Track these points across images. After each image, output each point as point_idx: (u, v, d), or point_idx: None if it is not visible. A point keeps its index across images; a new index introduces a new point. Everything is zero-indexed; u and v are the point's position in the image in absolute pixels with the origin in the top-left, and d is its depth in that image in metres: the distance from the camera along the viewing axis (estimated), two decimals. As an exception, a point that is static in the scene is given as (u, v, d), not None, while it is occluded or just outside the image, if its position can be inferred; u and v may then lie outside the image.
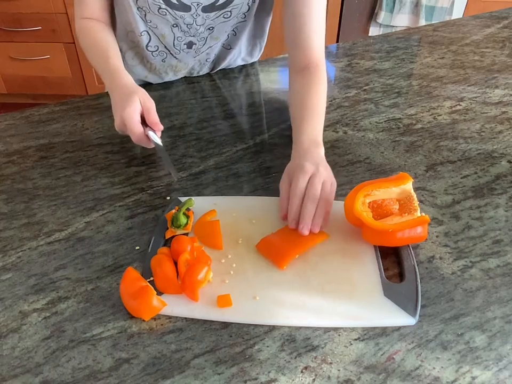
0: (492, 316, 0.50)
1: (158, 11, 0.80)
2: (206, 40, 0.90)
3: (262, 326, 0.50)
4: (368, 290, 0.52)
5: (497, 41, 1.23)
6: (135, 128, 0.66)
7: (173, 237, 0.58)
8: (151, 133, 0.67)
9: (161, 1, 0.78)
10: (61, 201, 0.68)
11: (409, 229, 0.55)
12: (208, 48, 0.93)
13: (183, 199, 0.67)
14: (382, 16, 2.39)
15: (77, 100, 0.95)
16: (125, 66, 0.77)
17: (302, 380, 0.45)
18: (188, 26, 0.84)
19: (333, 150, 0.78)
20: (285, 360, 0.46)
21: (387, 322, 0.49)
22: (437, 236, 0.61)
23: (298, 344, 0.48)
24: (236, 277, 0.54)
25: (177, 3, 0.79)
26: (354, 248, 0.58)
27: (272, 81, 1.04)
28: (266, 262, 0.56)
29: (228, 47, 0.97)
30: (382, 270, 0.55)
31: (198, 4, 0.80)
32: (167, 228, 0.61)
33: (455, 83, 1.00)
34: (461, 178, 0.71)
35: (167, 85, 0.99)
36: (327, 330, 0.49)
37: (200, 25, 0.85)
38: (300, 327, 0.49)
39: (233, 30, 0.91)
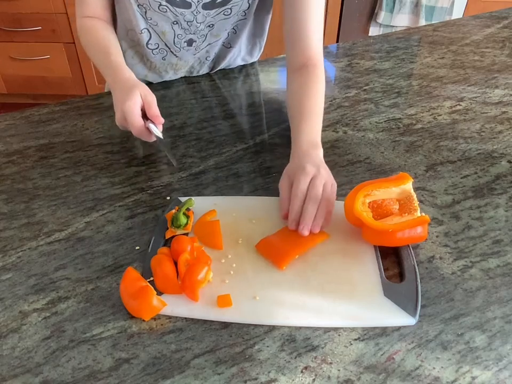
0: (492, 315, 0.50)
1: (159, 8, 0.81)
2: (206, 37, 0.90)
3: (262, 326, 0.50)
4: (368, 290, 0.52)
5: (497, 41, 1.23)
6: (135, 121, 0.66)
7: (173, 237, 0.58)
8: (151, 126, 0.67)
9: None
10: (61, 201, 0.68)
11: (409, 229, 0.55)
12: (208, 45, 0.93)
13: (183, 199, 0.67)
14: (382, 16, 2.39)
15: (77, 100, 0.95)
16: None
17: (302, 379, 0.45)
18: (188, 23, 0.84)
19: (333, 150, 0.78)
20: (285, 360, 0.46)
21: (387, 322, 0.49)
22: (437, 236, 0.61)
23: (298, 344, 0.48)
24: (236, 277, 0.54)
25: (177, 0, 0.79)
26: (354, 248, 0.58)
27: (272, 81, 1.04)
28: (266, 262, 0.56)
29: (228, 46, 0.97)
30: (382, 270, 0.55)
31: (198, 1, 0.80)
32: (167, 228, 0.61)
33: (455, 83, 1.00)
34: (461, 178, 0.71)
35: (167, 85, 0.99)
36: (327, 330, 0.49)
37: (200, 23, 0.85)
38: (300, 327, 0.49)
39: (233, 28, 0.91)
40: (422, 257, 0.58)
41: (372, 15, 2.46)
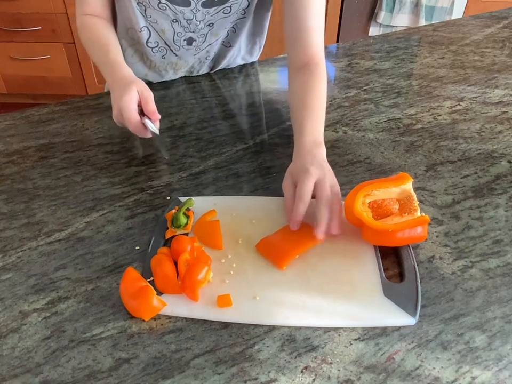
0: (492, 315, 0.50)
1: (158, 6, 0.81)
2: (206, 37, 0.90)
3: (262, 326, 0.50)
4: (368, 290, 0.52)
5: (497, 41, 1.23)
6: (132, 116, 0.66)
7: (173, 237, 0.58)
8: (147, 121, 0.68)
9: None
10: (61, 201, 0.68)
11: (409, 229, 0.55)
12: (208, 46, 0.93)
13: (183, 199, 0.67)
14: (382, 16, 2.39)
15: (77, 100, 0.95)
16: None
17: (302, 379, 0.45)
18: (188, 21, 0.85)
19: (333, 150, 0.78)
20: (285, 360, 0.46)
21: (387, 322, 0.49)
22: (437, 236, 0.61)
23: (298, 344, 0.48)
24: (236, 277, 0.54)
25: None
26: (354, 248, 0.58)
27: (272, 81, 1.04)
28: (266, 262, 0.56)
29: (227, 45, 0.97)
30: (382, 270, 0.55)
31: None
32: (167, 228, 0.61)
33: (455, 83, 1.00)
34: (461, 178, 0.71)
35: (167, 85, 0.99)
36: (327, 330, 0.49)
37: (200, 21, 0.85)
38: (300, 327, 0.49)
39: (232, 27, 0.91)
40: (422, 257, 0.58)
41: (372, 15, 2.46)
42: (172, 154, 0.78)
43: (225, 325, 0.50)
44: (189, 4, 0.81)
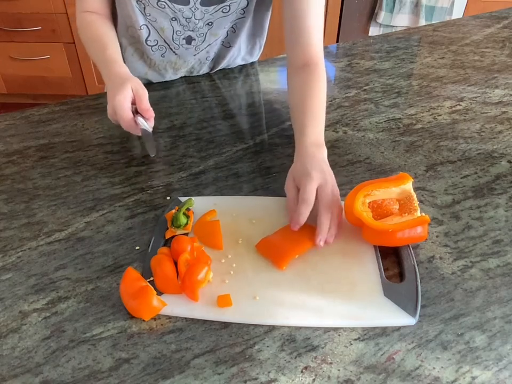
0: (492, 315, 0.50)
1: (157, 4, 0.81)
2: (205, 37, 0.90)
3: (262, 326, 0.50)
4: (368, 290, 0.52)
5: (497, 41, 1.23)
6: (124, 114, 0.67)
7: (173, 237, 0.58)
8: (139, 119, 0.68)
9: None
10: (61, 201, 0.68)
11: (409, 229, 0.55)
12: (207, 46, 0.93)
13: (183, 199, 0.67)
14: (382, 16, 2.39)
15: (77, 100, 0.95)
16: (125, 63, 0.77)
17: (302, 379, 0.45)
18: (187, 20, 0.85)
19: (333, 150, 0.78)
20: (285, 360, 0.46)
21: (387, 322, 0.49)
22: (437, 236, 0.61)
23: (298, 344, 0.48)
24: (236, 277, 0.54)
25: None
26: (354, 248, 0.58)
27: (272, 81, 1.04)
28: (266, 262, 0.56)
29: (227, 45, 0.97)
30: (382, 270, 0.55)
31: None
32: (167, 228, 0.61)
33: (455, 83, 1.00)
34: (461, 178, 0.71)
35: (167, 85, 0.99)
36: (327, 330, 0.49)
37: (199, 20, 0.85)
38: (300, 327, 0.49)
39: (232, 27, 0.91)
40: (422, 257, 0.58)
41: (372, 15, 2.46)
42: (171, 154, 0.78)
43: (225, 325, 0.50)
44: (187, 2, 0.82)
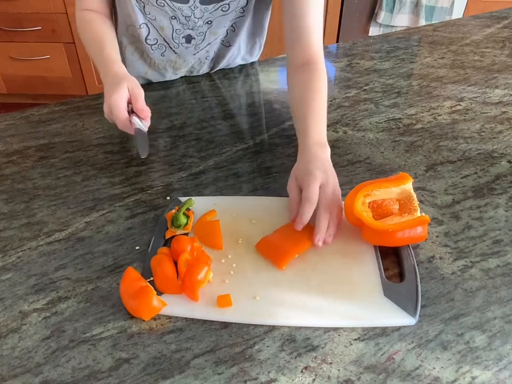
0: (492, 316, 0.50)
1: (157, 2, 0.81)
2: (205, 36, 0.90)
3: (262, 326, 0.50)
4: (368, 290, 0.52)
5: (497, 41, 1.23)
6: (120, 114, 0.67)
7: (173, 237, 0.58)
8: (134, 118, 0.68)
9: None
10: (61, 201, 0.68)
11: (409, 229, 0.55)
12: (207, 45, 0.93)
13: (183, 199, 0.67)
14: (382, 16, 2.39)
15: (77, 100, 0.95)
16: (125, 62, 0.77)
17: (302, 379, 0.45)
18: (186, 18, 0.85)
19: (333, 150, 0.77)
20: (285, 360, 0.46)
21: (387, 322, 0.49)
22: (437, 236, 0.61)
23: (298, 344, 0.48)
24: (236, 277, 0.54)
25: None
26: (354, 248, 0.58)
27: (272, 81, 1.04)
28: (266, 262, 0.56)
29: (227, 44, 0.97)
30: (382, 270, 0.55)
31: None
32: (167, 228, 0.61)
33: (455, 83, 1.00)
34: (461, 178, 0.71)
35: (167, 85, 0.99)
36: (327, 330, 0.49)
37: (198, 18, 0.85)
38: (300, 327, 0.49)
39: (232, 26, 0.91)
40: (422, 257, 0.58)
41: (372, 15, 2.46)
42: (172, 154, 0.78)
43: (225, 325, 0.50)
44: (187, 1, 0.82)
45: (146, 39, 0.90)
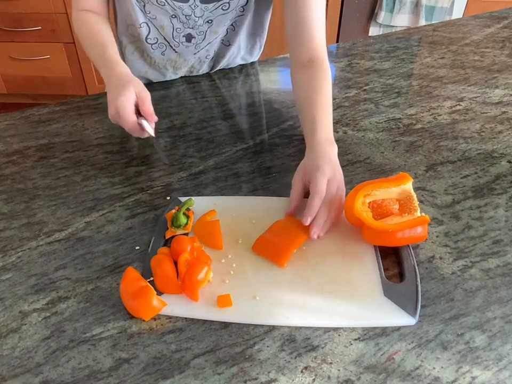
0: (492, 315, 0.50)
1: (157, 1, 0.81)
2: (205, 35, 0.90)
3: (262, 326, 0.50)
4: (368, 290, 0.52)
5: (497, 41, 1.23)
6: (129, 117, 0.67)
7: (173, 237, 0.58)
8: (144, 122, 0.68)
9: None
10: (61, 201, 0.68)
11: (409, 229, 0.55)
12: (207, 44, 0.93)
13: (183, 199, 0.67)
14: (382, 16, 2.39)
15: (77, 100, 0.95)
16: (125, 61, 0.77)
17: (302, 379, 0.45)
18: (187, 17, 0.85)
19: (333, 150, 0.78)
20: (285, 360, 0.46)
21: (387, 322, 0.49)
22: (437, 236, 0.61)
23: (298, 344, 0.48)
24: (236, 277, 0.54)
25: None
26: (354, 248, 0.58)
27: (272, 81, 1.04)
28: (266, 261, 0.56)
29: (227, 44, 0.97)
30: (382, 270, 0.55)
31: None
32: (167, 228, 0.61)
33: (455, 83, 1.00)
34: (461, 178, 0.71)
35: (167, 85, 0.99)
36: (327, 330, 0.49)
37: (198, 17, 0.85)
38: (300, 327, 0.49)
39: (232, 25, 0.91)
40: (422, 257, 0.58)
41: (372, 15, 2.46)
42: (172, 154, 0.78)
43: (225, 325, 0.50)
44: (187, 0, 0.82)
45: (146, 38, 0.90)
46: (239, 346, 0.48)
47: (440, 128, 0.84)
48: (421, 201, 0.66)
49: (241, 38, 0.98)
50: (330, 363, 0.46)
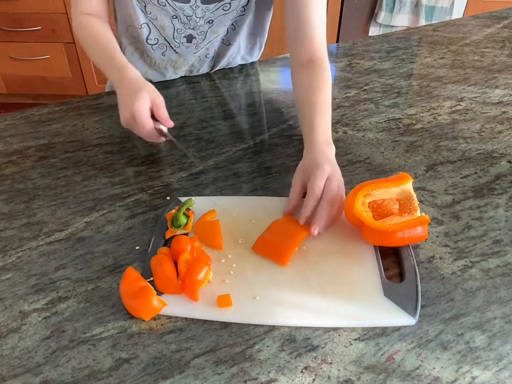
0: (492, 315, 0.50)
1: (158, 2, 0.81)
2: (206, 35, 0.90)
3: (262, 326, 0.50)
4: (368, 290, 0.52)
5: (497, 41, 1.23)
6: (146, 122, 0.66)
7: (173, 237, 0.58)
8: (163, 127, 0.68)
9: None
10: (61, 201, 0.68)
11: (409, 229, 0.55)
12: (208, 44, 0.93)
13: (183, 199, 0.67)
14: (382, 16, 2.39)
15: (77, 100, 0.95)
16: None
17: (302, 379, 0.45)
18: (188, 18, 0.85)
19: (333, 150, 0.78)
20: (285, 360, 0.46)
21: (387, 322, 0.49)
22: (437, 236, 0.61)
23: (298, 344, 0.48)
24: (236, 277, 0.54)
25: None
26: (354, 248, 0.58)
27: (272, 81, 1.04)
28: (266, 261, 0.56)
29: (227, 43, 0.97)
30: (382, 270, 0.55)
31: None
32: (167, 228, 0.61)
33: (455, 83, 1.00)
34: (461, 178, 0.71)
35: (167, 85, 0.99)
36: (327, 330, 0.49)
37: (199, 18, 0.85)
38: (300, 327, 0.49)
39: (232, 24, 0.91)
40: (422, 257, 0.58)
41: (372, 15, 2.46)
42: (172, 154, 0.78)
43: (225, 325, 0.50)
44: (188, 0, 0.82)
45: (147, 39, 0.90)
46: (239, 346, 0.48)
47: (440, 128, 0.84)
48: (421, 201, 0.66)
49: (242, 38, 0.98)
50: (330, 363, 0.46)
